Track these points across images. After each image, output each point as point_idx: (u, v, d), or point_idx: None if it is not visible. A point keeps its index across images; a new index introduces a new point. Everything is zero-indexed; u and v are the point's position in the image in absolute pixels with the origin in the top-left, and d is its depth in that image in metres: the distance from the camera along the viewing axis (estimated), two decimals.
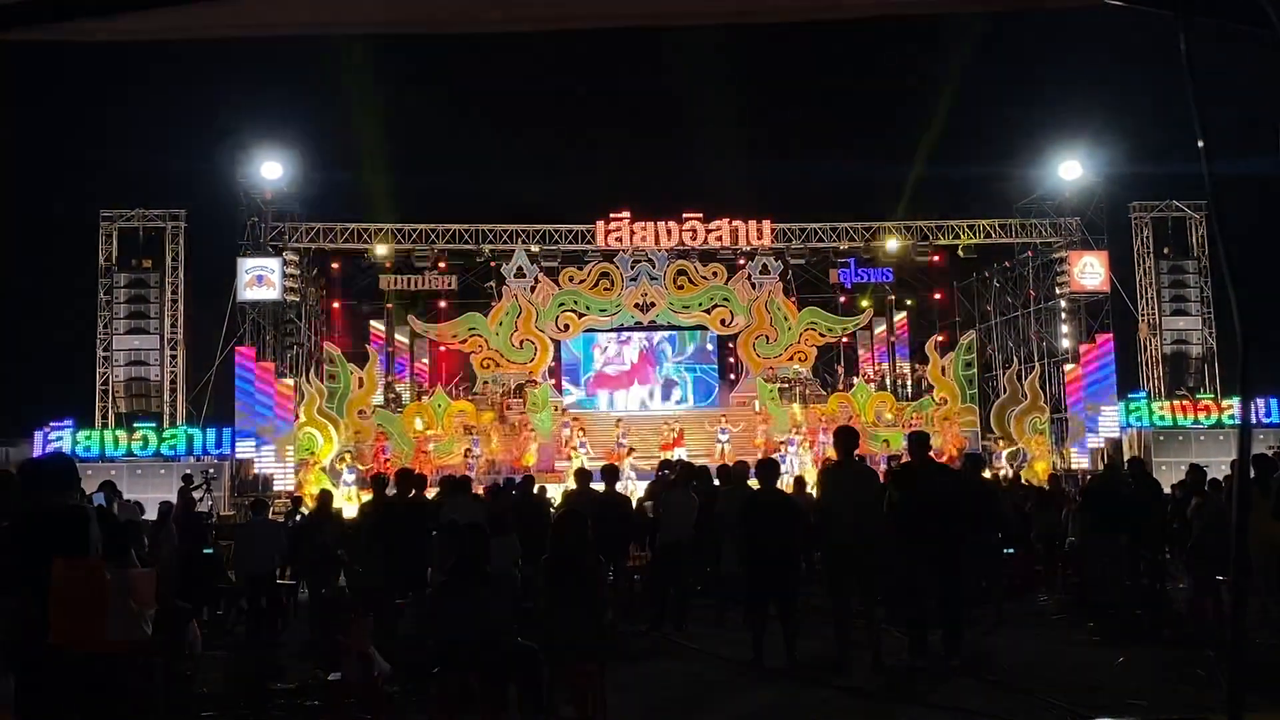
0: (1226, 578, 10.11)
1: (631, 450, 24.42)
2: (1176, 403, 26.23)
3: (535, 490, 12.23)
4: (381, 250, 27.30)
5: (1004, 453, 26.33)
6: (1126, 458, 18.77)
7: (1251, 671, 2.60)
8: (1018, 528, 12.92)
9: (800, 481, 14.03)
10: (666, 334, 30.22)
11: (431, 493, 12.55)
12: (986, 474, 15.64)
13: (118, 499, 11.28)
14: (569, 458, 24.50)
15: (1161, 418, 25.91)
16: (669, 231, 27.97)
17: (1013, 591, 11.86)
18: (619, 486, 12.07)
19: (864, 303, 30.67)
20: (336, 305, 30.62)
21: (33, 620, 3.93)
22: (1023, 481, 19.04)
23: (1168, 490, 13.47)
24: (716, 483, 12.26)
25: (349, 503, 20.37)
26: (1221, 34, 1.76)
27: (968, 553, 9.54)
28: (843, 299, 31.00)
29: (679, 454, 22.92)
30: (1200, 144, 1.65)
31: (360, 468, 24.22)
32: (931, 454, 9.74)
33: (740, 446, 25.04)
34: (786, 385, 28.69)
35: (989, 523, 10.31)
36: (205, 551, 10.79)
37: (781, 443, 25.32)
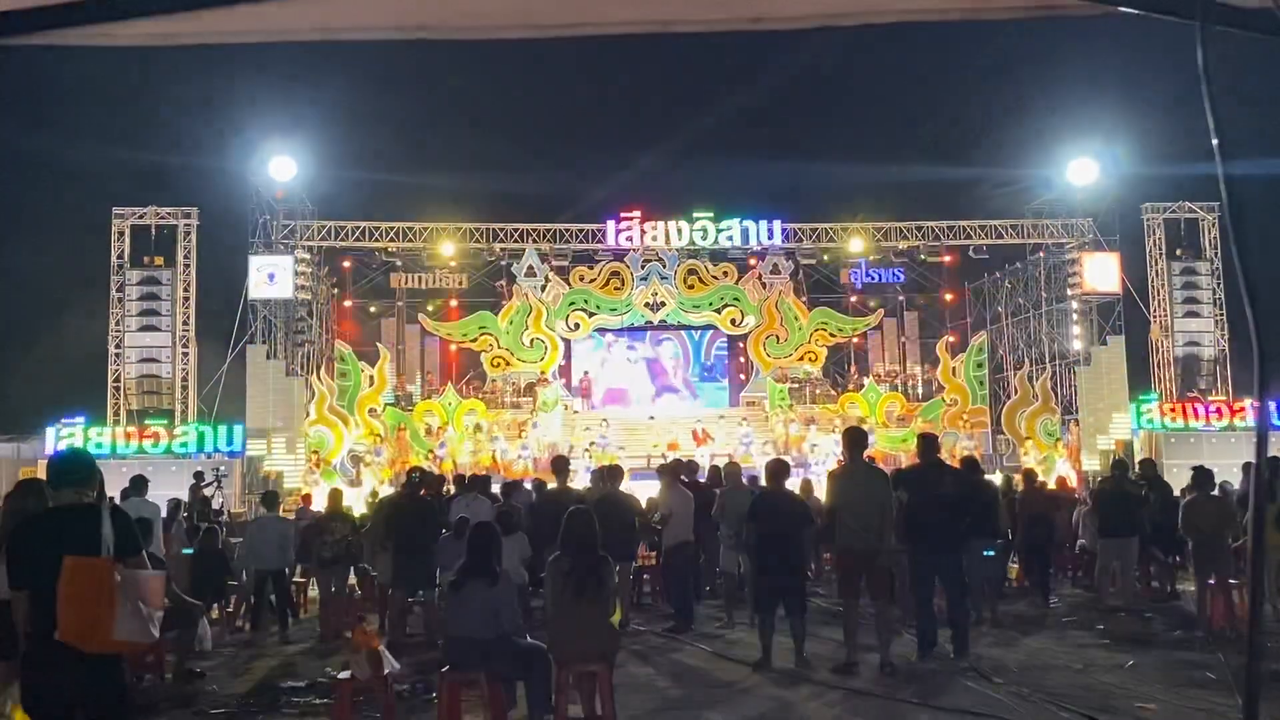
0: (1225, 578, 10.09)
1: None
2: (1187, 404, 26.07)
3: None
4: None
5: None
6: (1138, 460, 18.65)
7: (1265, 675, 2.59)
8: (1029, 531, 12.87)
9: (808, 483, 13.98)
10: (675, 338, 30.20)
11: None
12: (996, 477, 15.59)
13: (139, 495, 11.30)
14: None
15: (1173, 420, 25.77)
16: (679, 231, 27.96)
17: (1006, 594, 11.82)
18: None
19: (874, 303, 30.68)
20: (347, 303, 30.71)
21: (39, 616, 3.96)
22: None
23: (1177, 493, 13.41)
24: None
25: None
26: (1238, 41, 1.76)
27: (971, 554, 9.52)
28: (853, 299, 30.97)
29: (699, 453, 22.93)
30: (1217, 157, 1.65)
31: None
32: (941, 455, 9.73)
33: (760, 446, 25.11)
34: (797, 385, 28.67)
35: (986, 524, 10.24)
36: (185, 551, 10.80)
37: (814, 446, 25.24)
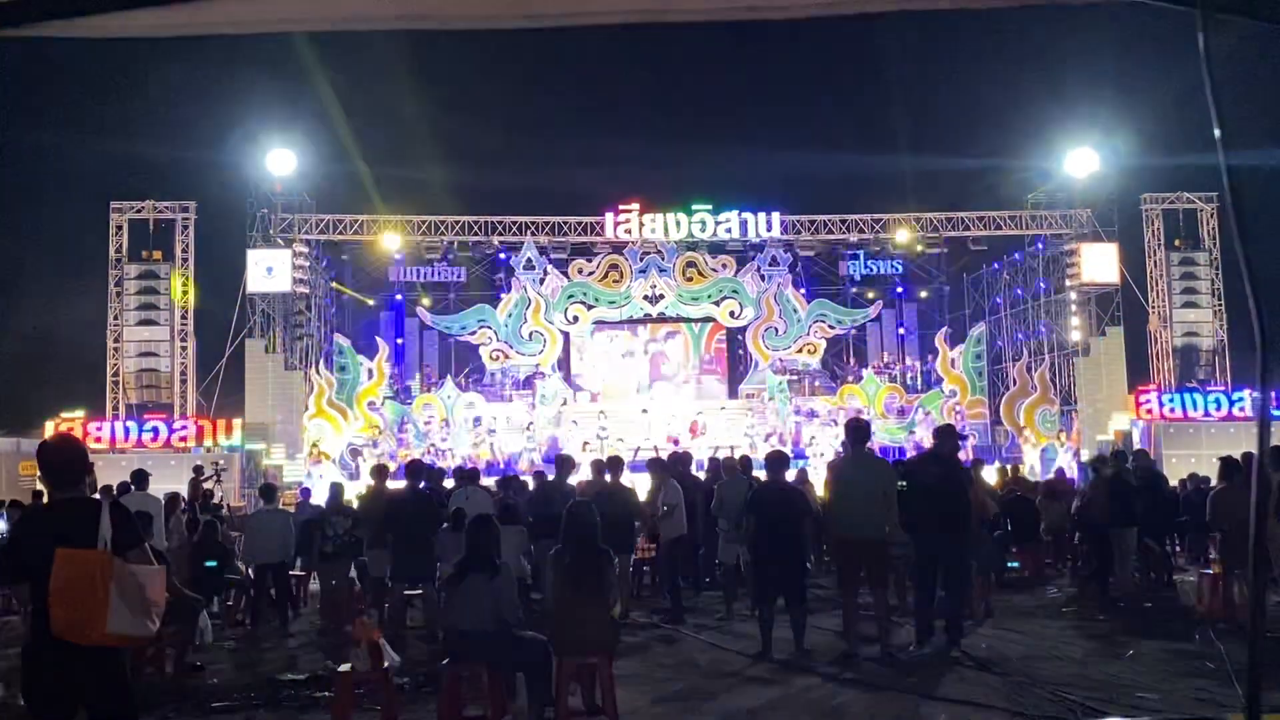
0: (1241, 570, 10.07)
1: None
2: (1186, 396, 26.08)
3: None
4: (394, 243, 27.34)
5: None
6: (1133, 450, 18.66)
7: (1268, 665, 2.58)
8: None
9: (803, 473, 13.97)
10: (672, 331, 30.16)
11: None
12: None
13: (140, 490, 11.31)
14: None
15: (1171, 411, 25.77)
16: (678, 223, 27.93)
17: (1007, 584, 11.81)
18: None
19: (872, 294, 30.67)
20: (346, 297, 30.67)
21: (39, 611, 3.96)
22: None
23: (1174, 484, 13.41)
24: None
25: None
26: (1239, 29, 1.75)
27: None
28: (852, 290, 30.95)
29: (695, 445, 22.93)
30: (1219, 145, 1.64)
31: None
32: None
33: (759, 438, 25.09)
34: (795, 377, 28.67)
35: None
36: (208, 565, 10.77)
37: (813, 438, 25.29)
